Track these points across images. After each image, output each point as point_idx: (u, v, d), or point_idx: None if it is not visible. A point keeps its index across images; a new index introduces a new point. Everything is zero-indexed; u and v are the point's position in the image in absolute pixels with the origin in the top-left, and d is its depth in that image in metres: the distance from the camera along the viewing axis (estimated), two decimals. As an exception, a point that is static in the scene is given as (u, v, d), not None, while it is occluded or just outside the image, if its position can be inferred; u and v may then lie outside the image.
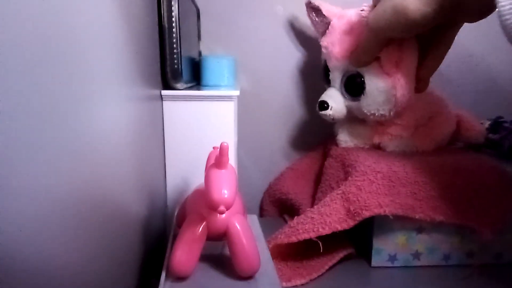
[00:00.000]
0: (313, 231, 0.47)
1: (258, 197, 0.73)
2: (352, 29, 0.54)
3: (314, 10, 0.60)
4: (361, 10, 0.50)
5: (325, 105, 0.56)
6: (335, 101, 0.56)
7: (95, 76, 0.29)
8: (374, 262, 0.50)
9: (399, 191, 0.47)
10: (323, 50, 0.58)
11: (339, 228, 0.47)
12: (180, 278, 0.38)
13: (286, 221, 0.65)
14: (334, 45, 0.55)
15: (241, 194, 0.43)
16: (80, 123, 0.26)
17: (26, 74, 0.19)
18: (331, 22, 0.57)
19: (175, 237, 0.39)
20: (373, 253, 0.50)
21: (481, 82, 0.74)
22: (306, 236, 0.48)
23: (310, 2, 0.60)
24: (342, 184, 0.51)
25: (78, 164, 0.26)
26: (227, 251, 0.39)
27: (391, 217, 0.46)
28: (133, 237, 0.40)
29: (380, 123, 0.57)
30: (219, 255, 0.42)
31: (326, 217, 0.48)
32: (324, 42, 0.58)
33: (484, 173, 0.50)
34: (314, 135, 0.72)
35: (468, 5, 0.41)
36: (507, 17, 0.28)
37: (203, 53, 0.68)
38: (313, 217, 0.48)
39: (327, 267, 0.49)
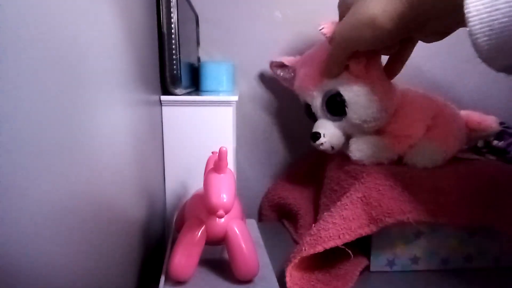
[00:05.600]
0: (339, 237, 0.45)
1: (257, 202, 0.73)
2: (313, 56, 0.57)
3: (278, 67, 0.64)
4: (320, 29, 0.51)
5: (317, 135, 0.55)
6: (326, 128, 0.55)
7: (95, 81, 0.29)
8: (372, 267, 0.50)
9: (420, 198, 0.46)
10: (297, 91, 0.60)
11: (363, 233, 0.46)
12: (179, 282, 0.38)
13: (285, 226, 0.65)
14: (302, 80, 0.57)
15: (240, 198, 0.43)
16: (80, 128, 0.26)
17: (27, 79, 0.20)
18: (296, 69, 0.61)
19: (174, 241, 0.39)
20: (371, 258, 0.50)
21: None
22: (332, 244, 0.45)
23: (272, 62, 0.65)
24: (347, 186, 0.50)
25: (77, 168, 0.26)
26: (226, 256, 0.39)
27: (414, 224, 0.45)
28: (132, 241, 0.40)
29: (395, 136, 0.54)
30: (218, 260, 0.42)
31: (349, 222, 0.46)
32: (295, 84, 0.60)
33: (504, 176, 0.50)
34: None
35: (433, 27, 0.42)
36: (478, 35, 0.28)
37: (202, 58, 0.68)
38: (335, 223, 0.46)
39: (351, 284, 0.46)
